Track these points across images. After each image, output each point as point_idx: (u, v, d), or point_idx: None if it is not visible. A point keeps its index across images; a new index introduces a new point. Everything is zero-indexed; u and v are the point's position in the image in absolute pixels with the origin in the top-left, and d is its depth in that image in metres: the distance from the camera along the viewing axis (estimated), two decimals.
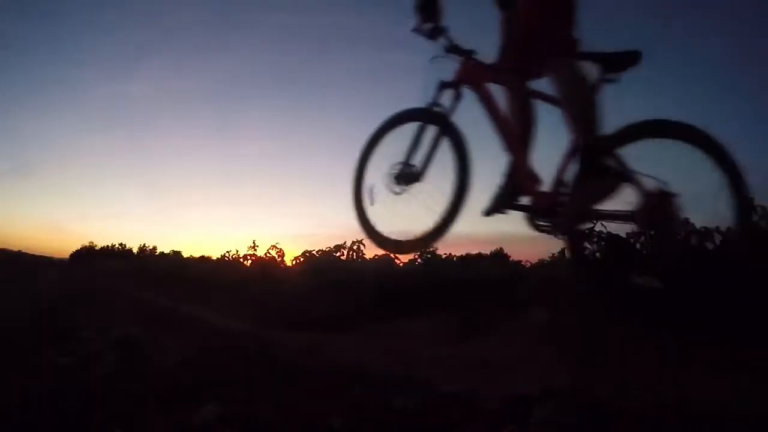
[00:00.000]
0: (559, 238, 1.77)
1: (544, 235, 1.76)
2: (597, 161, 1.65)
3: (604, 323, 3.73)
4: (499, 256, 12.95)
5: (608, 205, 1.68)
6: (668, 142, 1.68)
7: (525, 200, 1.82)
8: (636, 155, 1.67)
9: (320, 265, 10.44)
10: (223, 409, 2.27)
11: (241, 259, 13.96)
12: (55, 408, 2.25)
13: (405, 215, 1.98)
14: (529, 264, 10.27)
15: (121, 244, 27.28)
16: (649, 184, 1.63)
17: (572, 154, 1.71)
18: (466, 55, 1.94)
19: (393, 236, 2.02)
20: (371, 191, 2.03)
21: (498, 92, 1.95)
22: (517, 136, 1.85)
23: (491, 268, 9.12)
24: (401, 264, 10.77)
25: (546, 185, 1.78)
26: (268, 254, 12.47)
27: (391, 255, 10.66)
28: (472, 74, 1.92)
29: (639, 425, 2.09)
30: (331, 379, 3.08)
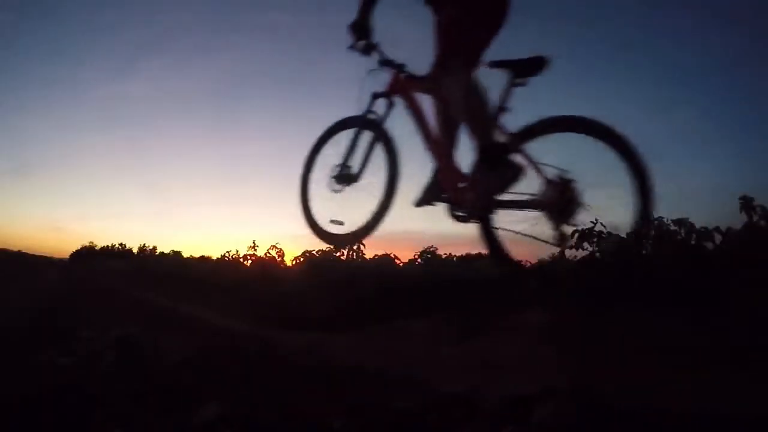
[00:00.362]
0: (472, 225, 1.97)
1: (461, 223, 1.99)
2: (498, 157, 1.85)
3: (604, 323, 3.73)
4: None
5: (516, 194, 1.89)
6: (575, 136, 1.85)
7: (447, 194, 2.04)
8: (549, 148, 1.87)
9: (320, 265, 10.44)
10: (223, 409, 2.27)
11: (241, 259, 13.97)
12: (55, 408, 2.25)
13: (343, 211, 2.23)
14: (529, 264, 10.24)
15: (121, 244, 27.28)
16: (551, 172, 1.81)
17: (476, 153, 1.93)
18: (397, 68, 2.16)
19: (332, 230, 2.28)
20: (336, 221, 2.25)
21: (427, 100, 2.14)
22: (438, 140, 2.06)
23: (491, 268, 9.11)
24: (401, 264, 10.78)
25: (465, 180, 1.99)
26: (268, 254, 12.50)
27: (391, 255, 10.73)
28: (401, 85, 2.14)
29: (639, 425, 2.09)
30: (331, 379, 3.08)
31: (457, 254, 12.00)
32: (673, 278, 4.04)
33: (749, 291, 3.49)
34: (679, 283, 3.95)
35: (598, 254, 4.68)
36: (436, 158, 2.04)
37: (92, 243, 28.33)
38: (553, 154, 1.84)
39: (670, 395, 2.42)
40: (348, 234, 2.22)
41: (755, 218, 4.39)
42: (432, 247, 10.86)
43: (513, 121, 1.95)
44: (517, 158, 1.86)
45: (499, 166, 1.85)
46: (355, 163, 2.22)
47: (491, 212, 1.94)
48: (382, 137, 2.17)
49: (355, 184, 2.22)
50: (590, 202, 1.79)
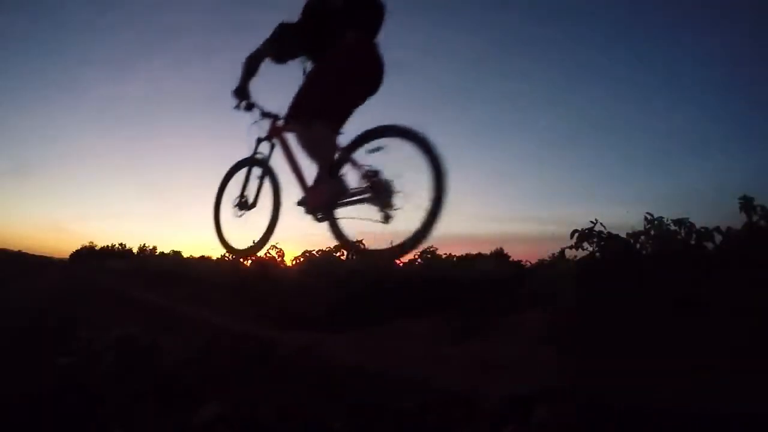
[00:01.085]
0: (323, 223, 2.50)
1: (319, 223, 2.51)
2: (335, 172, 2.44)
3: (604, 323, 3.73)
4: (499, 256, 12.96)
5: (349, 194, 2.41)
6: (389, 140, 2.33)
7: (309, 205, 2.58)
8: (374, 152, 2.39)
9: (320, 265, 10.43)
10: (223, 409, 2.27)
11: (241, 259, 13.95)
12: (55, 408, 2.25)
13: (243, 231, 2.89)
14: (529, 264, 10.27)
15: (121, 244, 27.34)
16: (366, 170, 2.32)
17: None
18: (274, 117, 2.76)
19: (236, 246, 2.95)
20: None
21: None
22: (301, 168, 2.64)
23: (491, 268, 9.12)
24: (401, 264, 10.77)
25: (317, 192, 2.54)
26: (268, 254, 12.47)
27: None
28: (277, 130, 2.74)
29: (639, 425, 2.09)
30: (331, 379, 3.08)
31: (457, 254, 12.02)
32: (673, 278, 4.04)
33: (749, 291, 3.49)
34: (679, 283, 3.95)
35: (597, 254, 4.68)
36: (298, 181, 2.62)
37: (92, 243, 28.38)
38: (375, 157, 2.37)
39: (670, 395, 2.41)
40: (248, 248, 2.92)
41: (755, 218, 4.38)
42: (432, 247, 10.86)
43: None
44: (347, 167, 2.42)
45: (336, 178, 2.44)
46: (250, 194, 2.86)
47: (335, 211, 2.50)
48: (268, 172, 2.80)
49: (251, 210, 2.84)
50: (401, 188, 2.29)
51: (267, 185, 2.81)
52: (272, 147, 2.80)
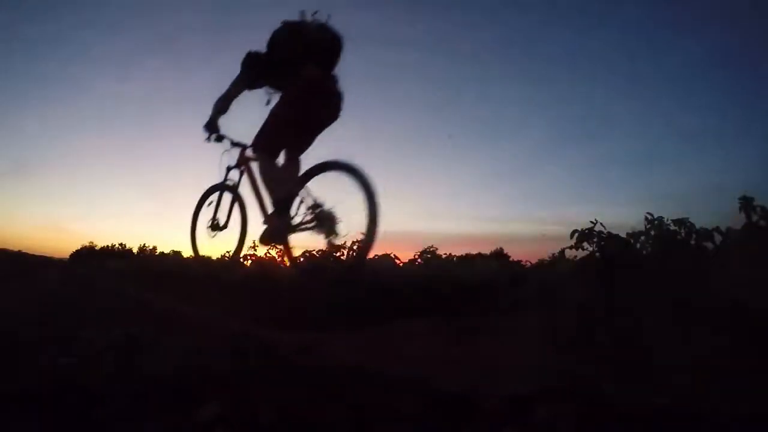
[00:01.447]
0: (280, 246, 2.84)
1: (276, 245, 2.80)
2: (286, 207, 2.74)
3: (604, 323, 3.73)
4: (499, 256, 12.99)
5: (298, 223, 2.75)
6: (331, 174, 2.69)
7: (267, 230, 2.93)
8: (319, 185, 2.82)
9: (320, 265, 10.42)
10: (222, 409, 2.27)
11: (241, 259, 13.95)
12: (55, 408, 2.25)
13: (216, 249, 3.45)
14: (529, 264, 10.28)
15: (121, 244, 27.33)
16: (311, 202, 2.69)
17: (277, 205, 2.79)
18: (242, 147, 3.12)
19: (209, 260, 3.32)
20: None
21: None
22: (263, 197, 2.99)
23: (491, 268, 9.12)
24: (401, 264, 10.78)
25: (272, 221, 2.90)
26: (268, 254, 12.47)
27: (391, 255, 10.81)
28: (244, 159, 3.06)
29: (639, 425, 2.09)
30: (331, 379, 3.07)
31: (457, 254, 12.05)
32: (673, 278, 4.04)
33: (749, 291, 3.49)
34: (679, 283, 3.95)
35: (597, 254, 4.69)
36: (259, 207, 2.91)
37: (92, 243, 28.39)
38: (321, 188, 2.75)
39: (670, 395, 2.41)
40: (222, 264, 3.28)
41: (755, 218, 4.38)
42: (432, 247, 10.87)
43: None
44: (297, 200, 2.74)
45: (285, 213, 2.73)
46: (221, 217, 3.26)
47: (288, 239, 2.83)
48: (237, 197, 3.13)
49: (223, 231, 3.20)
50: (342, 215, 2.68)
51: (236, 209, 3.11)
52: (241, 174, 3.06)
